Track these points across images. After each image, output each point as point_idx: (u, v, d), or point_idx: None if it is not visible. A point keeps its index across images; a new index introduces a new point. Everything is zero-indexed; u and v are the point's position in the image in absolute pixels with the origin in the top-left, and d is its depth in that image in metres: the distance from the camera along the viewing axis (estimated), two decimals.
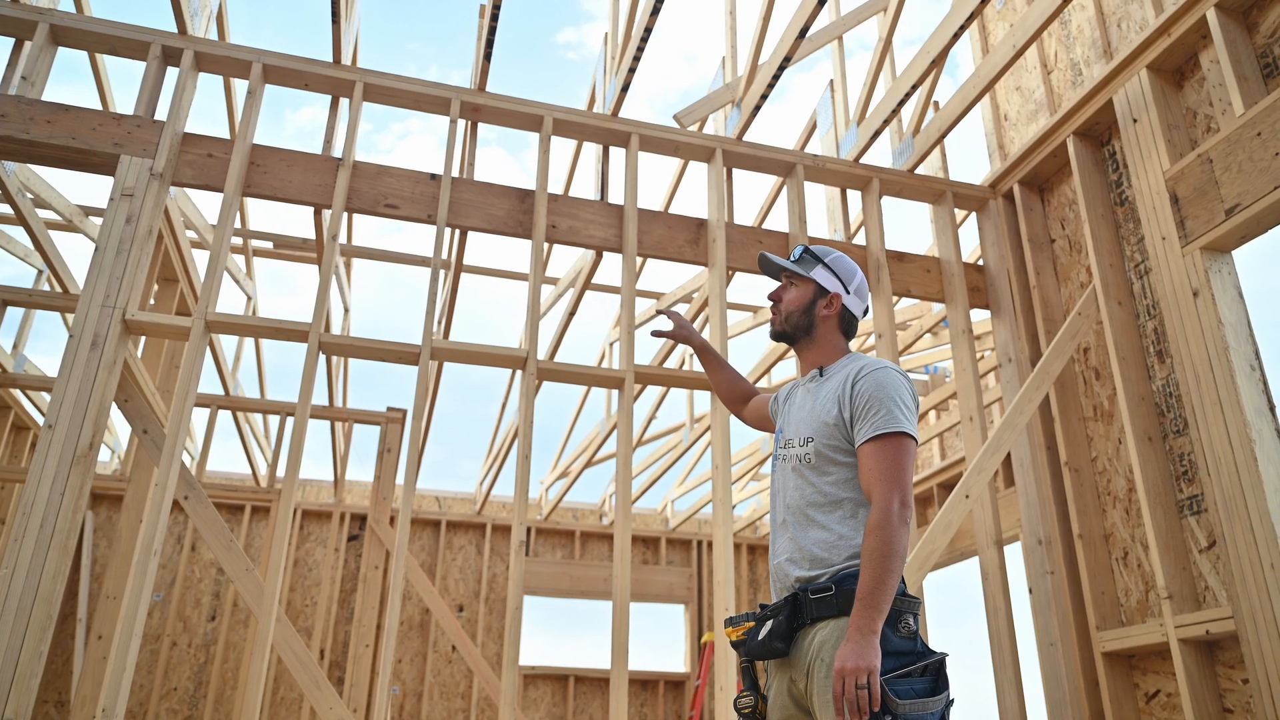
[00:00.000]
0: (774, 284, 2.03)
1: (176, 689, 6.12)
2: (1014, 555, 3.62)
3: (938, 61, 3.45)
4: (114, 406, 3.09)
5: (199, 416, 5.67)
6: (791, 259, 1.93)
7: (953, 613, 5.58)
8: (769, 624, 1.66)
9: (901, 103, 3.62)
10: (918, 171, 4.05)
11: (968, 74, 3.75)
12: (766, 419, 2.15)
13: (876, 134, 3.78)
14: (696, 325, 4.81)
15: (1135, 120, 3.36)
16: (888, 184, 3.95)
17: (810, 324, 1.87)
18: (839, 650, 1.50)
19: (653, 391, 5.97)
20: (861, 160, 3.94)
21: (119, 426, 6.58)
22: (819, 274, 1.88)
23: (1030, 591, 3.55)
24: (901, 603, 1.59)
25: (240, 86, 4.04)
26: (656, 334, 2.36)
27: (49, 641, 2.65)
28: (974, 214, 4.24)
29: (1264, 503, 2.69)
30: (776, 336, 1.92)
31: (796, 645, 1.64)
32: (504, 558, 7.10)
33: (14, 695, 2.50)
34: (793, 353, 3.79)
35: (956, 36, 3.32)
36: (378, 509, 4.86)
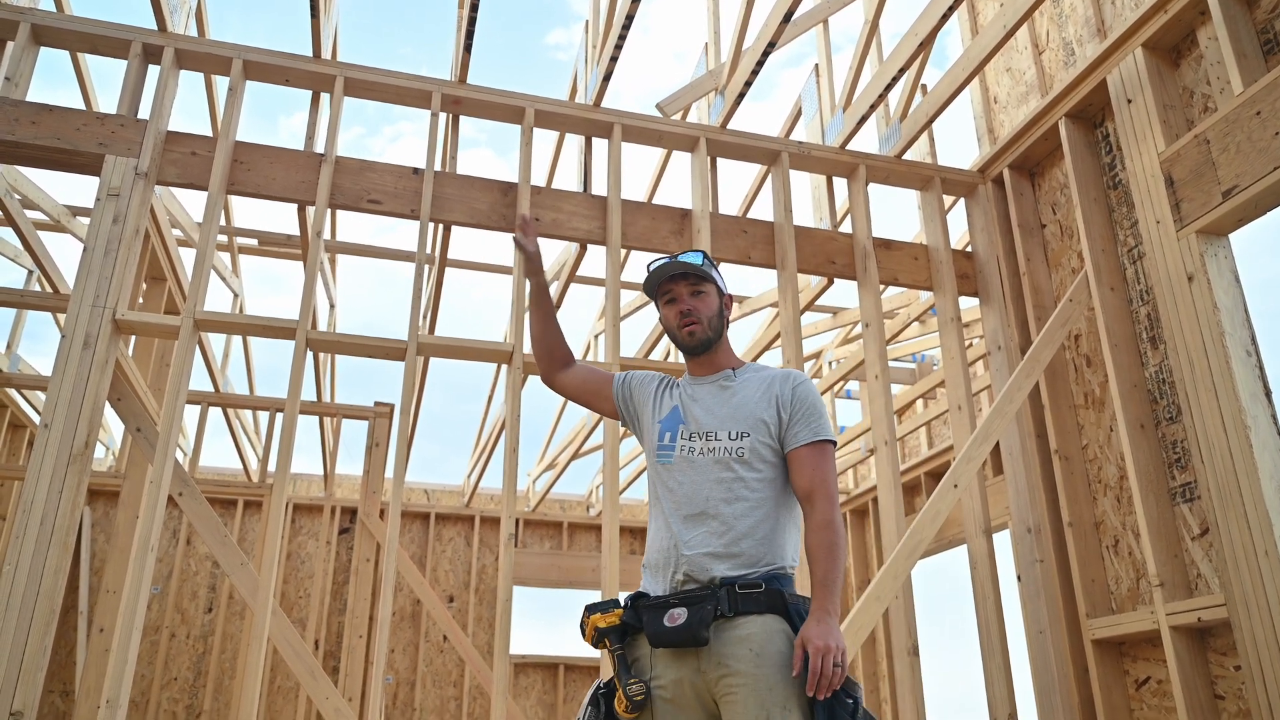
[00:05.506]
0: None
1: (177, 679, 6.21)
2: (1003, 542, 3.60)
3: (925, 44, 3.40)
4: (107, 405, 3.11)
5: (190, 413, 5.69)
6: (695, 263, 1.90)
7: (941, 599, 5.58)
8: (684, 611, 1.64)
9: (889, 87, 3.57)
10: (905, 157, 4.01)
11: (955, 61, 3.69)
12: (597, 395, 2.07)
13: (863, 119, 3.73)
14: None
15: (1130, 101, 3.30)
16: (874, 170, 3.91)
17: (722, 327, 1.93)
18: (813, 629, 1.58)
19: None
20: (847, 147, 3.89)
21: (113, 424, 6.60)
22: (717, 277, 1.95)
23: (1019, 579, 3.54)
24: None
25: (222, 84, 4.02)
26: (518, 242, 2.32)
27: (53, 636, 2.69)
28: (963, 200, 4.19)
29: (1258, 489, 2.66)
30: (701, 345, 1.89)
31: (715, 636, 1.64)
32: (493, 549, 7.15)
33: (21, 688, 2.55)
34: (780, 343, 3.76)
35: (945, 17, 3.26)
36: (368, 503, 4.88)
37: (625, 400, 2.02)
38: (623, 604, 1.75)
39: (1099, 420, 3.52)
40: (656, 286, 1.93)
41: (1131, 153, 3.26)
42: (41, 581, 2.65)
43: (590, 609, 1.77)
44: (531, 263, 2.23)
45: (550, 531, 7.41)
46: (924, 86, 4.07)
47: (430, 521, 7.07)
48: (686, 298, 1.90)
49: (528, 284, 2.30)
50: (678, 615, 1.64)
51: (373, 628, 5.54)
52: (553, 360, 2.14)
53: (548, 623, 7.44)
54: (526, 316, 2.48)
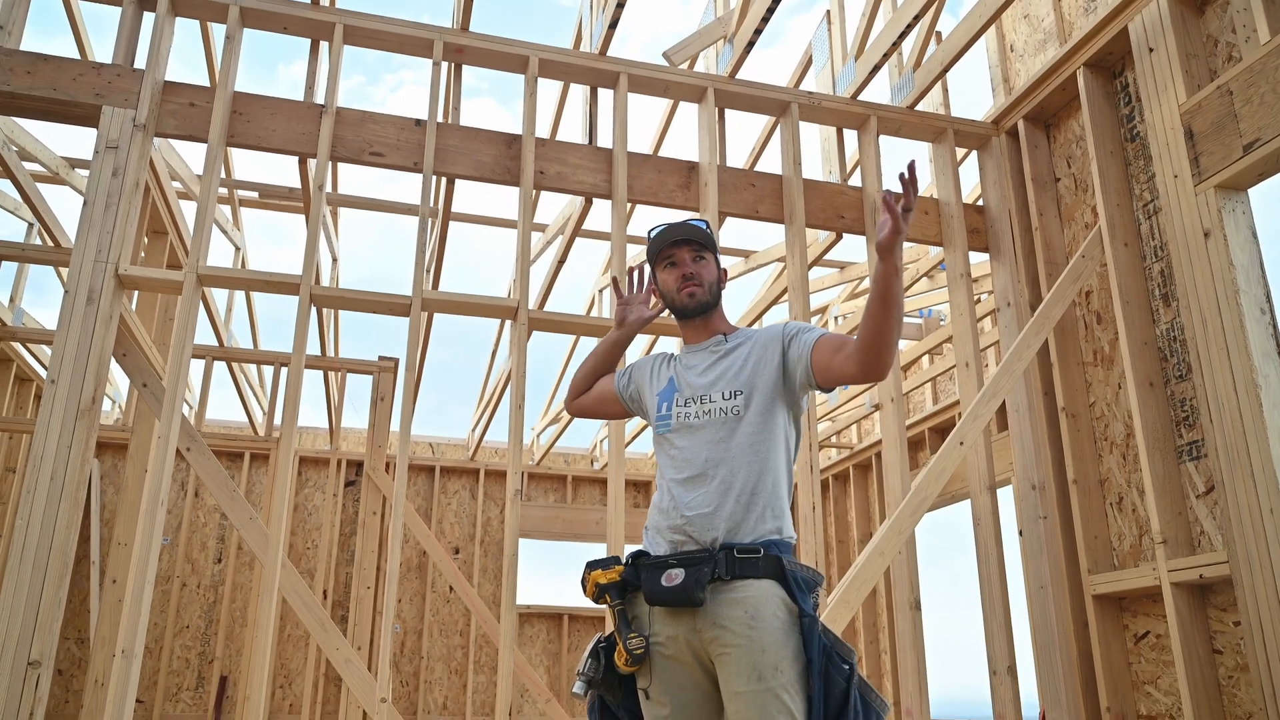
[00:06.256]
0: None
1: (189, 627, 6.35)
2: (1006, 497, 3.62)
3: None
4: (113, 360, 3.11)
5: (195, 368, 5.70)
6: (701, 229, 1.95)
7: (942, 551, 5.64)
8: (681, 572, 1.66)
9: (902, 35, 3.47)
10: (918, 108, 3.92)
11: (971, 8, 3.58)
12: (604, 399, 2.09)
13: (875, 69, 3.64)
14: None
15: (1151, 49, 3.20)
16: (886, 122, 3.83)
17: (719, 294, 1.97)
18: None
19: (643, 339, 5.93)
20: (859, 97, 3.80)
21: (119, 377, 6.62)
22: (717, 250, 2.00)
23: (1021, 535, 3.56)
24: (815, 576, 1.74)
25: (219, 32, 3.93)
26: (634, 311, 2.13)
27: (66, 588, 2.73)
28: (975, 152, 4.11)
29: (1266, 449, 2.65)
30: (699, 308, 1.93)
31: (712, 598, 1.66)
32: (497, 501, 7.23)
33: (37, 639, 2.61)
34: (787, 299, 3.73)
35: None
36: (374, 457, 4.91)
37: (627, 389, 2.05)
38: (624, 561, 1.78)
39: (1107, 378, 3.50)
40: (659, 250, 1.95)
41: (1151, 104, 3.18)
42: (54, 535, 2.68)
43: (591, 565, 1.79)
44: (635, 327, 2.12)
45: (554, 484, 7.49)
46: (939, 34, 3.96)
47: (435, 475, 7.14)
48: (689, 262, 1.92)
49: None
50: (675, 576, 1.67)
51: (380, 579, 5.62)
52: (580, 395, 2.17)
53: (552, 573, 7.57)
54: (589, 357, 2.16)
